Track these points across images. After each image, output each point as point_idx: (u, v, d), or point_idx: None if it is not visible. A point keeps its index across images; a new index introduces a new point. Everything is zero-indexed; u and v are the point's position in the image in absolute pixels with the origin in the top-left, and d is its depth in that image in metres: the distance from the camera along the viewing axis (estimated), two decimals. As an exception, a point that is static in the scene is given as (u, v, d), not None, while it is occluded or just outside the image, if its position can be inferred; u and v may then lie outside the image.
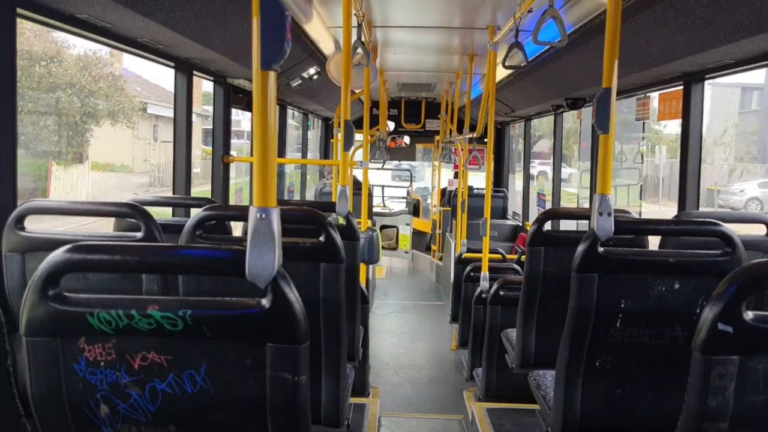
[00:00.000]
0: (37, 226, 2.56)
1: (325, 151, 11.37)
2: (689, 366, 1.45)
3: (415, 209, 13.18)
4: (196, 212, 2.59)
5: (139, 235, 2.52)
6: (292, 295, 1.43)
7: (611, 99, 2.35)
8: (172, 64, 4.07)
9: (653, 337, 2.37)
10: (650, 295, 2.34)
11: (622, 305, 2.35)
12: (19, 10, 2.52)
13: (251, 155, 6.31)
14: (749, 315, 1.40)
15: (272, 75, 1.43)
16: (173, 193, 4.42)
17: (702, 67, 3.74)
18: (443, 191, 12.06)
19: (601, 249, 2.34)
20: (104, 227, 3.43)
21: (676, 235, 3.00)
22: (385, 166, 10.96)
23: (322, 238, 2.46)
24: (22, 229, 2.51)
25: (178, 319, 1.40)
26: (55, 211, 2.62)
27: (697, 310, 2.31)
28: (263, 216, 1.44)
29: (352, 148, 7.12)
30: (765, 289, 2.34)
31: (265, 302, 1.42)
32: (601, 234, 2.33)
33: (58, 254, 1.42)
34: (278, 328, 1.43)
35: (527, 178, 9.44)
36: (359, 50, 4.29)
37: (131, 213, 2.53)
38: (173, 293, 2.48)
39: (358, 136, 5.39)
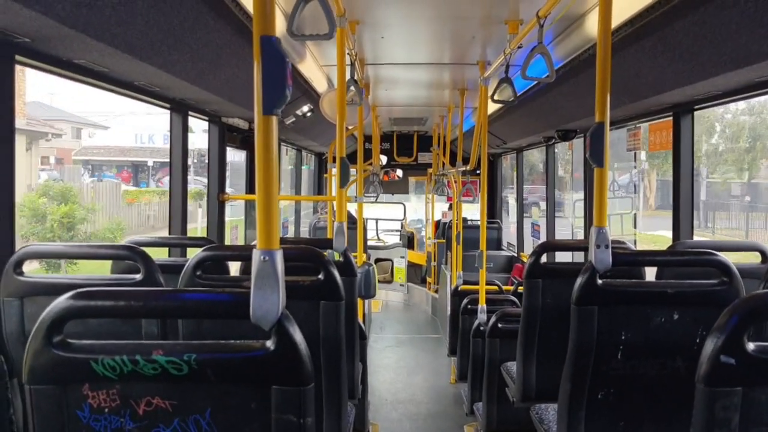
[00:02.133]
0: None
1: (319, 187, 11.41)
2: (692, 397, 1.46)
3: (409, 242, 13.17)
4: (193, 252, 2.60)
5: (138, 277, 2.52)
6: (297, 336, 1.43)
7: (604, 133, 2.39)
8: (168, 105, 4.10)
9: (655, 368, 2.37)
10: (650, 326, 2.35)
11: (623, 337, 2.35)
12: (18, 57, 2.56)
13: (246, 193, 6.33)
14: (751, 346, 1.41)
15: (273, 119, 1.45)
16: (169, 233, 4.43)
17: (690, 98, 3.80)
18: (437, 223, 12.08)
19: (599, 281, 2.35)
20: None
21: (674, 266, 3.02)
22: (378, 200, 11.00)
23: (321, 276, 2.46)
24: (21, 273, 2.50)
25: (183, 363, 1.40)
26: (53, 255, 2.63)
27: (697, 340, 2.32)
28: (266, 258, 1.45)
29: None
30: (766, 320, 2.36)
31: (269, 344, 1.42)
32: (599, 266, 2.35)
33: (61, 301, 1.43)
34: (283, 371, 1.43)
35: (521, 209, 9.48)
36: (352, 88, 4.34)
37: (130, 255, 2.53)
38: (172, 335, 2.48)
39: (352, 171, 5.42)
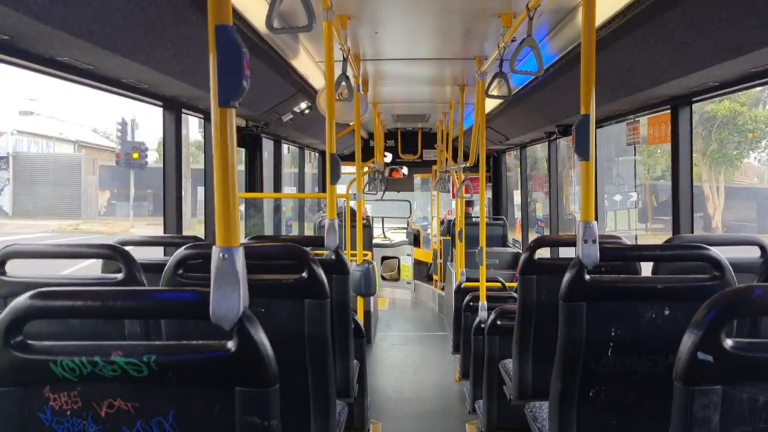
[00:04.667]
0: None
1: (323, 185, 11.38)
2: None
3: (415, 239, 13.13)
4: None
5: (120, 276, 2.50)
6: (259, 337, 1.40)
7: (590, 126, 2.34)
8: (161, 103, 4.08)
9: (646, 365, 2.32)
10: (640, 322, 2.30)
11: (613, 333, 2.31)
12: None
13: (245, 191, 6.30)
14: (729, 342, 1.37)
15: (231, 112, 1.42)
16: (164, 232, 4.41)
17: (688, 90, 3.74)
18: (443, 220, 12.05)
19: (587, 277, 2.30)
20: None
21: (663, 260, 2.97)
22: (384, 197, 10.97)
23: (305, 274, 2.43)
24: (3, 273, 2.49)
25: (143, 364, 1.38)
26: (36, 255, 2.60)
27: None
28: (226, 256, 1.42)
29: (349, 181, 7.12)
30: (744, 316, 2.30)
31: (230, 345, 1.39)
32: (587, 261, 2.30)
33: (19, 301, 1.40)
34: (245, 372, 1.39)
35: (525, 205, 9.41)
36: (343, 83, 4.29)
37: (111, 254, 2.51)
38: (155, 335, 2.45)
39: (351, 169, 5.39)
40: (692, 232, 4.11)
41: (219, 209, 1.43)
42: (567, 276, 2.31)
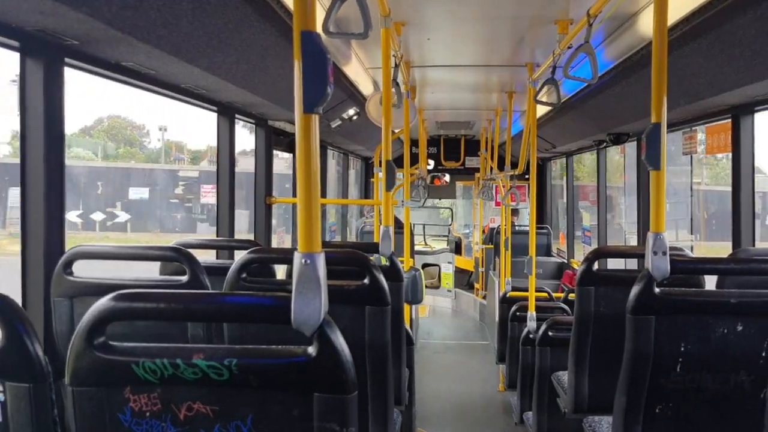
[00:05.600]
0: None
1: (366, 191, 11.42)
2: (757, 413, 1.36)
3: (456, 247, 13.06)
4: (239, 254, 2.60)
5: (184, 278, 2.53)
6: (339, 343, 1.39)
7: (661, 134, 2.28)
8: (215, 108, 4.13)
9: (717, 382, 2.26)
10: (711, 337, 2.23)
11: (682, 348, 2.25)
12: (68, 60, 2.59)
13: (292, 196, 6.34)
14: None
15: (315, 118, 1.42)
16: (217, 236, 4.46)
17: (751, 99, 3.65)
18: (486, 228, 11.98)
19: (657, 290, 2.25)
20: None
21: (738, 274, 2.88)
22: (425, 205, 10.96)
23: (366, 281, 2.43)
24: (71, 274, 2.53)
25: (224, 368, 1.38)
26: (102, 256, 2.65)
27: (763, 354, 2.20)
28: (308, 262, 1.41)
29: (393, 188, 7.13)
30: None
31: (311, 350, 1.38)
32: (657, 274, 2.24)
33: (103, 303, 1.42)
34: (325, 378, 1.39)
35: (572, 214, 9.30)
36: (393, 90, 4.30)
37: (176, 257, 2.54)
38: (217, 338, 2.47)
39: (398, 175, 5.38)
40: (754, 245, 3.99)
41: (302, 215, 1.43)
42: (635, 289, 2.25)
